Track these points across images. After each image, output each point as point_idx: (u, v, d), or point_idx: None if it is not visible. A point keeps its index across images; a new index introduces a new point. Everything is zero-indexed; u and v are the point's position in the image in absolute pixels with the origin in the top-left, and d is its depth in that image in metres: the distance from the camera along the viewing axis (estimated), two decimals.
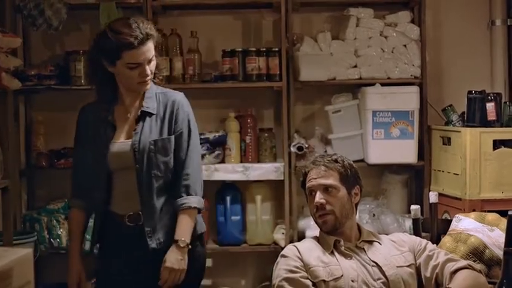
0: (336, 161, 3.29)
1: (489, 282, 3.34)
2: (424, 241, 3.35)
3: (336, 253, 3.18)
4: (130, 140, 3.36)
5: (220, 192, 5.27)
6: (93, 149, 3.39)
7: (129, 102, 3.41)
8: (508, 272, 2.90)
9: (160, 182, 3.38)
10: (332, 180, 3.22)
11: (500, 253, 3.60)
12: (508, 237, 2.97)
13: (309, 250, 3.18)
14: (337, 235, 3.23)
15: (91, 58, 3.42)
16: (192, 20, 5.41)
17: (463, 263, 3.18)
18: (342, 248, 3.19)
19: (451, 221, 3.86)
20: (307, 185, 3.27)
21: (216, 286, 5.44)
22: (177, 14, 5.43)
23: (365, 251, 3.20)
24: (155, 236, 3.35)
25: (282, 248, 5.03)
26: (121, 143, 3.38)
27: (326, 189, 3.21)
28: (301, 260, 3.14)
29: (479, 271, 3.19)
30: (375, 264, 3.15)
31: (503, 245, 3.44)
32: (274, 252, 5.08)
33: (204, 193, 5.12)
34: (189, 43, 5.19)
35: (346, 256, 3.17)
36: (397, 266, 3.16)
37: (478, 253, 3.57)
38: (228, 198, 5.21)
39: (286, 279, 3.09)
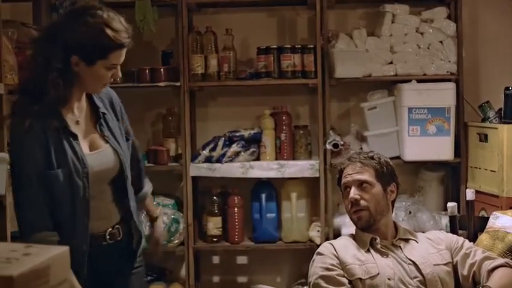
0: (372, 157, 3.29)
1: None
2: (461, 239, 3.33)
3: (372, 251, 3.16)
4: (100, 149, 2.92)
5: (256, 190, 5.26)
6: (60, 169, 2.78)
7: (76, 104, 2.90)
8: None
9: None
10: (367, 176, 3.21)
11: None
12: None
13: (345, 248, 3.17)
14: (373, 232, 3.22)
15: (57, 53, 2.76)
16: (227, 17, 5.41)
17: (501, 261, 3.15)
18: (378, 246, 3.17)
19: (488, 218, 3.83)
20: (343, 180, 3.27)
21: (252, 283, 5.44)
22: (211, 12, 5.43)
23: (401, 249, 3.19)
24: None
25: (318, 246, 5.03)
26: (98, 153, 2.91)
27: (361, 184, 3.20)
28: (337, 257, 3.13)
29: None
30: (411, 262, 3.13)
31: None
32: (309, 249, 5.07)
33: (239, 190, 5.20)
34: (224, 40, 5.18)
35: (382, 254, 3.15)
36: (434, 264, 3.14)
37: None
38: (263, 196, 5.20)
39: (322, 277, 3.09)
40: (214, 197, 5.22)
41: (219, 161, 5.10)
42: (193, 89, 5.18)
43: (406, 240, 3.25)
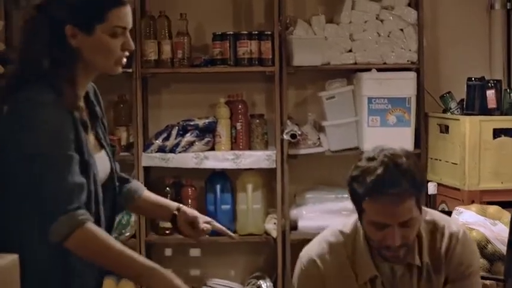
0: (406, 175, 2.50)
1: (491, 278, 3.25)
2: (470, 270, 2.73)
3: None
4: (96, 154, 2.49)
5: (210, 181, 5.12)
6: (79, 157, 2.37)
7: (80, 94, 2.46)
8: None
9: None
10: (410, 213, 2.51)
11: (503, 248, 3.50)
12: None
13: (336, 278, 2.67)
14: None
15: (52, 23, 2.37)
16: (181, 1, 5.23)
17: None
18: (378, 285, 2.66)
19: (450, 212, 3.77)
20: (374, 219, 2.53)
21: (205, 276, 5.29)
22: None
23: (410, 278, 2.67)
24: None
25: (274, 239, 4.92)
26: (102, 157, 2.54)
27: (404, 223, 2.51)
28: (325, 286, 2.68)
29: None
30: None
31: (506, 240, 3.36)
32: (265, 242, 5.02)
33: (193, 181, 5.06)
34: (178, 26, 5.02)
35: None
36: None
37: (480, 248, 3.47)
38: (218, 187, 5.06)
39: None
40: (167, 188, 5.05)
41: (172, 151, 4.94)
42: (146, 75, 5.02)
43: (409, 267, 2.65)
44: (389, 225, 2.49)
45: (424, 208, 2.67)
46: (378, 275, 2.62)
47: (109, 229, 2.60)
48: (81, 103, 2.45)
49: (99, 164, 2.48)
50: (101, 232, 2.31)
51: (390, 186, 2.45)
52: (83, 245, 2.28)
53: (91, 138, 2.50)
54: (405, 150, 2.60)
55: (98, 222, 2.41)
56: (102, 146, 2.57)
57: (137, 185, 2.83)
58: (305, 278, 2.71)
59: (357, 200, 2.55)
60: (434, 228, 2.67)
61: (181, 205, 2.81)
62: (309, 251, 2.73)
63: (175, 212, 2.77)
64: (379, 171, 2.47)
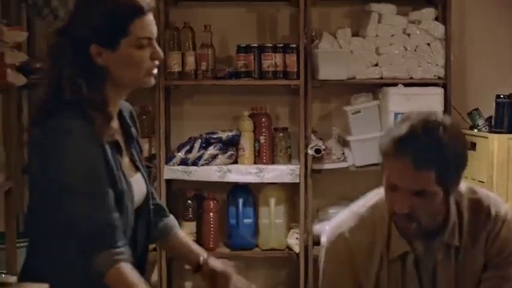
0: (432, 145, 2.30)
1: None
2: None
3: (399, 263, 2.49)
4: (131, 178, 2.42)
5: (232, 194, 5.07)
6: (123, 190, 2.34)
7: (112, 113, 2.39)
8: None
9: None
10: (424, 184, 2.31)
11: None
12: None
13: (366, 254, 2.49)
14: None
15: (76, 45, 2.31)
16: (205, 12, 5.19)
17: None
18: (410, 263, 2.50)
19: None
20: (388, 179, 2.35)
21: None
22: (189, 6, 5.20)
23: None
24: None
25: (297, 254, 4.86)
26: (138, 179, 2.47)
27: (414, 193, 2.31)
28: (353, 265, 2.50)
29: None
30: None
31: None
32: (288, 257, 4.96)
33: (215, 194, 5.00)
34: (202, 37, 4.97)
35: (410, 273, 2.49)
36: None
37: None
38: (240, 200, 5.00)
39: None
40: (189, 201, 5.01)
41: (195, 163, 4.88)
42: (169, 87, 4.98)
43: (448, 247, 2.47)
44: (400, 189, 2.31)
45: (472, 187, 2.56)
46: (410, 251, 2.45)
47: (145, 252, 2.56)
48: (115, 123, 2.39)
49: (135, 187, 2.42)
50: (133, 273, 2.23)
51: (407, 147, 2.28)
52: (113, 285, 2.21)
53: (126, 161, 2.43)
54: (452, 124, 2.37)
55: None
56: (137, 168, 2.50)
57: (173, 221, 2.75)
58: (333, 253, 2.55)
59: (381, 157, 2.39)
60: (478, 208, 2.50)
61: (208, 256, 2.69)
62: (338, 225, 2.56)
63: (201, 262, 2.64)
64: (403, 131, 2.31)
